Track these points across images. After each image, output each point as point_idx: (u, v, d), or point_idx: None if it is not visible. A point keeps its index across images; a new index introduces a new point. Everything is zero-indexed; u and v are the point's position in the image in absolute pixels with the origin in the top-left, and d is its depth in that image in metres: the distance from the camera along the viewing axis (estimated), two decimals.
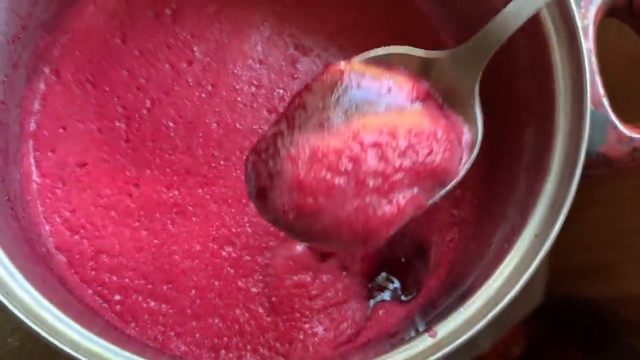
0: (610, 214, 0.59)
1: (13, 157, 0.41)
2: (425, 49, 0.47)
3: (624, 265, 0.60)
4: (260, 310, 0.42)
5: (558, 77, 0.35)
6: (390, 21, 0.49)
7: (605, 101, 0.35)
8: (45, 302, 0.33)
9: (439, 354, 0.32)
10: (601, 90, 0.35)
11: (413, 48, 0.36)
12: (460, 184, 0.45)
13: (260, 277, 0.42)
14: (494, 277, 0.33)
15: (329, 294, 0.42)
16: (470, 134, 0.34)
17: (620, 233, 0.58)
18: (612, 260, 0.61)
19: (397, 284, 0.44)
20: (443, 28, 0.49)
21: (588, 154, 0.34)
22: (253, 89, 0.46)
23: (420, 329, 0.35)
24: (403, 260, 0.45)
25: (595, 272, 0.64)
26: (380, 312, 0.44)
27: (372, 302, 0.43)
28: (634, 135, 0.35)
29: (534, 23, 0.37)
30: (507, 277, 0.33)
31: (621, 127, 0.35)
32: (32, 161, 0.43)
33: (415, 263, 0.45)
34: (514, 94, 0.40)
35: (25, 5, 0.39)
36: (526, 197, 0.35)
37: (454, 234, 0.45)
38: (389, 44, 0.48)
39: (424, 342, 0.33)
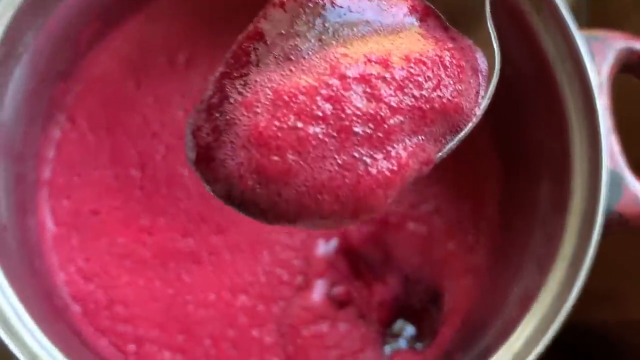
0: (618, 239, 0.60)
1: (30, 207, 0.41)
2: None
3: (632, 290, 0.60)
4: None
5: (574, 135, 0.36)
6: None
7: (621, 160, 0.36)
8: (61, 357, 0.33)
9: None
10: (616, 148, 0.36)
11: None
12: (474, 227, 0.46)
13: (275, 326, 0.42)
14: (513, 337, 0.33)
15: (346, 344, 0.42)
16: (485, 60, 0.27)
17: (629, 258, 0.59)
18: (620, 286, 0.61)
19: (412, 331, 0.44)
20: None
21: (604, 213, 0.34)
22: None
23: None
24: (418, 306, 0.45)
25: (603, 297, 0.64)
26: None
27: (388, 350, 0.43)
28: None
29: (548, 77, 0.37)
30: (527, 339, 0.33)
31: (638, 186, 0.35)
32: (47, 210, 0.43)
33: (430, 310, 0.45)
34: (530, 146, 0.40)
35: (45, 58, 0.39)
36: (544, 252, 0.36)
37: (468, 280, 0.45)
38: None
39: None
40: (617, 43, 0.38)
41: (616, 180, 0.35)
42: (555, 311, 0.33)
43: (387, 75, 0.24)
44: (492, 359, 0.33)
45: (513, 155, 0.42)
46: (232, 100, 0.24)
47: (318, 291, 0.44)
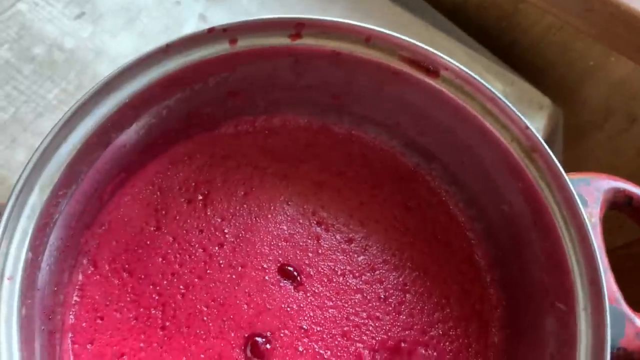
0: None
1: (56, 356, 0.42)
2: (438, 221, 0.52)
3: None
4: None
5: (575, 276, 0.38)
6: (404, 196, 0.53)
7: (619, 296, 0.38)
8: None
9: None
10: (614, 286, 0.39)
11: None
12: (480, 353, 0.48)
13: None
14: None
15: None
16: None
17: None
18: None
19: None
20: (452, 202, 0.53)
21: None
22: (280, 266, 0.49)
23: None
24: None
25: None
26: None
27: None
28: None
29: (547, 222, 0.41)
30: None
31: (638, 321, 0.38)
32: (71, 356, 0.44)
33: None
34: (532, 281, 0.43)
35: (75, 216, 0.41)
36: None
37: None
38: (404, 218, 0.52)
39: None
40: (604, 184, 0.42)
41: (617, 317, 0.38)
42: None
43: None
44: None
45: (516, 287, 0.45)
46: None
47: None
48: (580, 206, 0.40)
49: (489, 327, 0.48)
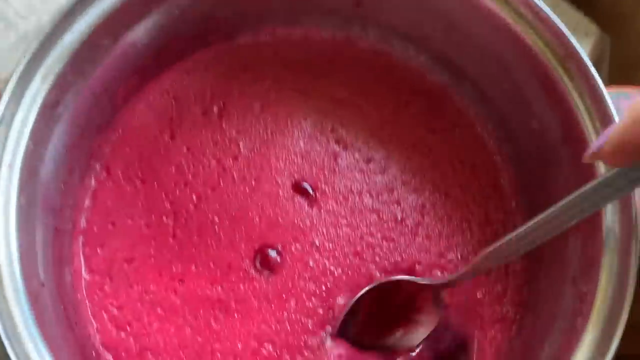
0: None
1: (65, 258, 0.42)
2: (464, 144, 0.49)
3: None
4: None
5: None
6: (429, 117, 0.50)
7: None
8: None
9: None
10: None
11: None
12: (502, 279, 0.46)
13: None
14: None
15: None
16: None
17: None
18: None
19: None
20: (481, 124, 0.50)
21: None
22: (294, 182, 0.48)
23: None
24: (447, 354, 0.45)
25: None
26: None
27: None
28: None
29: (576, 134, 0.38)
30: None
31: None
32: (82, 258, 0.44)
33: (459, 358, 0.45)
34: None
35: (84, 114, 0.41)
36: (576, 312, 0.35)
37: (496, 331, 0.45)
38: (428, 140, 0.50)
39: None
40: None
41: None
42: None
43: None
44: None
45: (537, 203, 0.42)
46: None
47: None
48: (617, 120, 0.36)
49: None
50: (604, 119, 0.36)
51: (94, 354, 0.40)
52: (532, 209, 0.46)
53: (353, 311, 0.44)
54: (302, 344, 0.44)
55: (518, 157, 0.47)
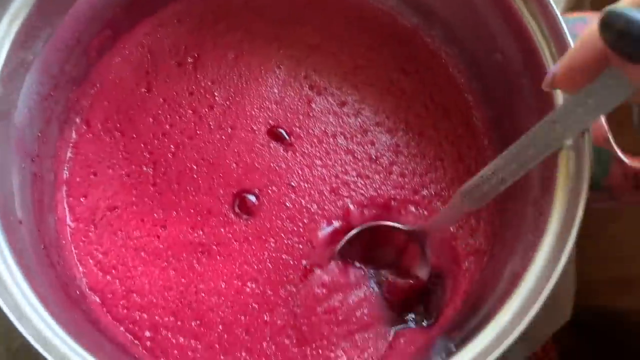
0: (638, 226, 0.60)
1: (48, 205, 0.44)
2: (436, 84, 0.50)
3: None
4: (287, 341, 0.44)
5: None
6: (402, 60, 0.51)
7: (610, 138, 0.36)
8: (79, 348, 0.35)
9: None
10: (604, 127, 0.36)
11: None
12: (475, 214, 0.47)
13: (285, 309, 0.44)
14: (501, 312, 0.34)
15: (354, 318, 0.44)
16: None
17: None
18: None
19: (420, 308, 0.45)
20: (452, 64, 0.50)
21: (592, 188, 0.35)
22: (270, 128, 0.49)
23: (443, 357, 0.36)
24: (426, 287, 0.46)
25: (627, 283, 0.65)
26: (402, 340, 0.45)
27: (393, 329, 0.45)
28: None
29: (535, 60, 0.39)
30: (513, 314, 0.34)
31: (628, 163, 0.36)
32: (66, 207, 0.46)
33: (437, 291, 0.46)
34: (522, 130, 0.41)
35: (57, 64, 0.42)
36: (534, 229, 0.37)
37: (469, 263, 0.46)
38: (401, 82, 0.50)
39: None
40: None
41: (603, 156, 0.36)
42: (541, 286, 0.34)
43: None
44: (480, 335, 0.34)
45: (507, 139, 0.43)
46: None
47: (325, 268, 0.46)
48: (572, 44, 0.37)
49: None
50: (560, 45, 0.37)
51: (77, 292, 0.42)
52: (503, 146, 0.46)
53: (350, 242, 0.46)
54: (284, 279, 0.45)
55: (488, 94, 0.48)
